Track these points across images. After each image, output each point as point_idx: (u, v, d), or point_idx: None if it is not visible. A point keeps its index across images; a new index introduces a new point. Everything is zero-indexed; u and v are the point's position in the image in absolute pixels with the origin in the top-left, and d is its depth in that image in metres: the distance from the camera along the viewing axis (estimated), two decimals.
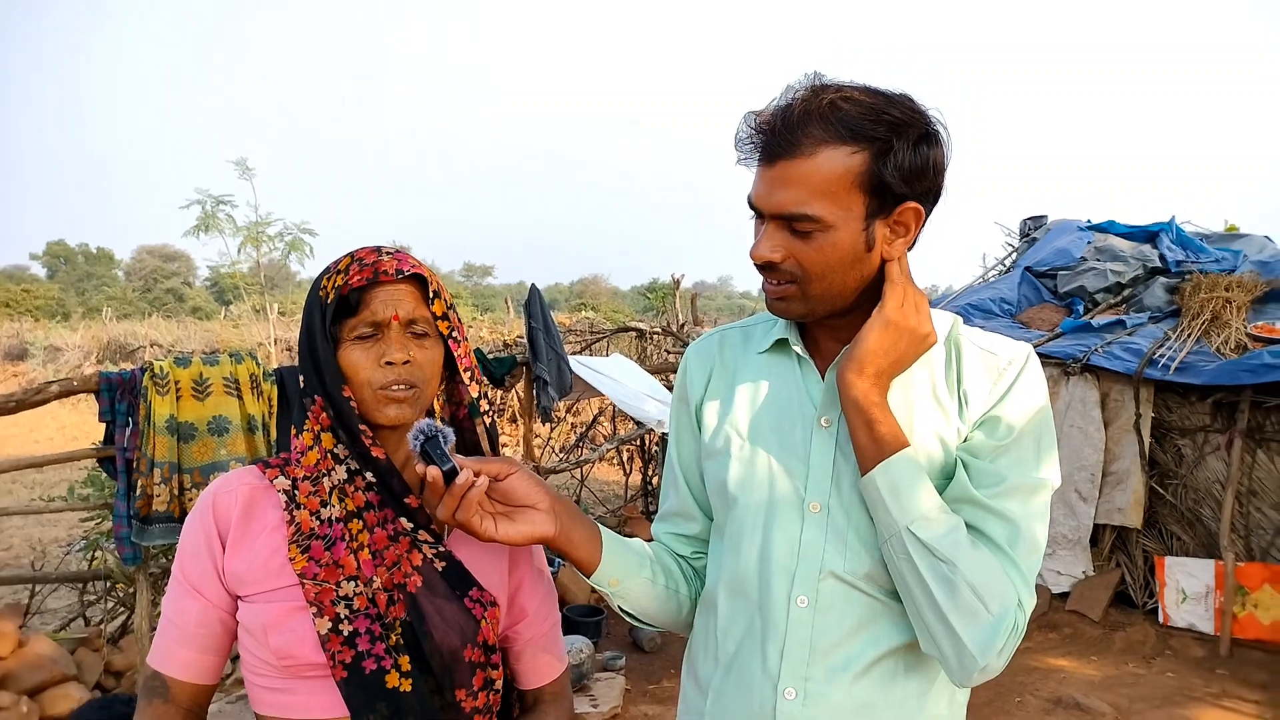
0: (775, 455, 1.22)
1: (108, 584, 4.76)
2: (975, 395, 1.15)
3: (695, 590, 1.36)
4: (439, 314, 1.20)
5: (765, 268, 1.16)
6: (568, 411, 9.22)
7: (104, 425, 3.82)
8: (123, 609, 4.79)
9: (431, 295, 1.19)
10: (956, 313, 6.75)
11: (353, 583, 1.13)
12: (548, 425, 7.92)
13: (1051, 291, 6.61)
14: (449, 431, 1.09)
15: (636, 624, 1.34)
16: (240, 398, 3.94)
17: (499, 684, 1.23)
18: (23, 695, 3.54)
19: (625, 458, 8.10)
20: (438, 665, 1.14)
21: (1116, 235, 6.79)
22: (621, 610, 1.29)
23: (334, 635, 1.10)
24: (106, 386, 3.69)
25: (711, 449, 1.29)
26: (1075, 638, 5.35)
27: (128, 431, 3.73)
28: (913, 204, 1.12)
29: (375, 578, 1.14)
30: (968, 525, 1.10)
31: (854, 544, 1.15)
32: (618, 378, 5.32)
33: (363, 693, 1.10)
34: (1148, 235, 6.70)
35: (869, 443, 1.11)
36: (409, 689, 1.12)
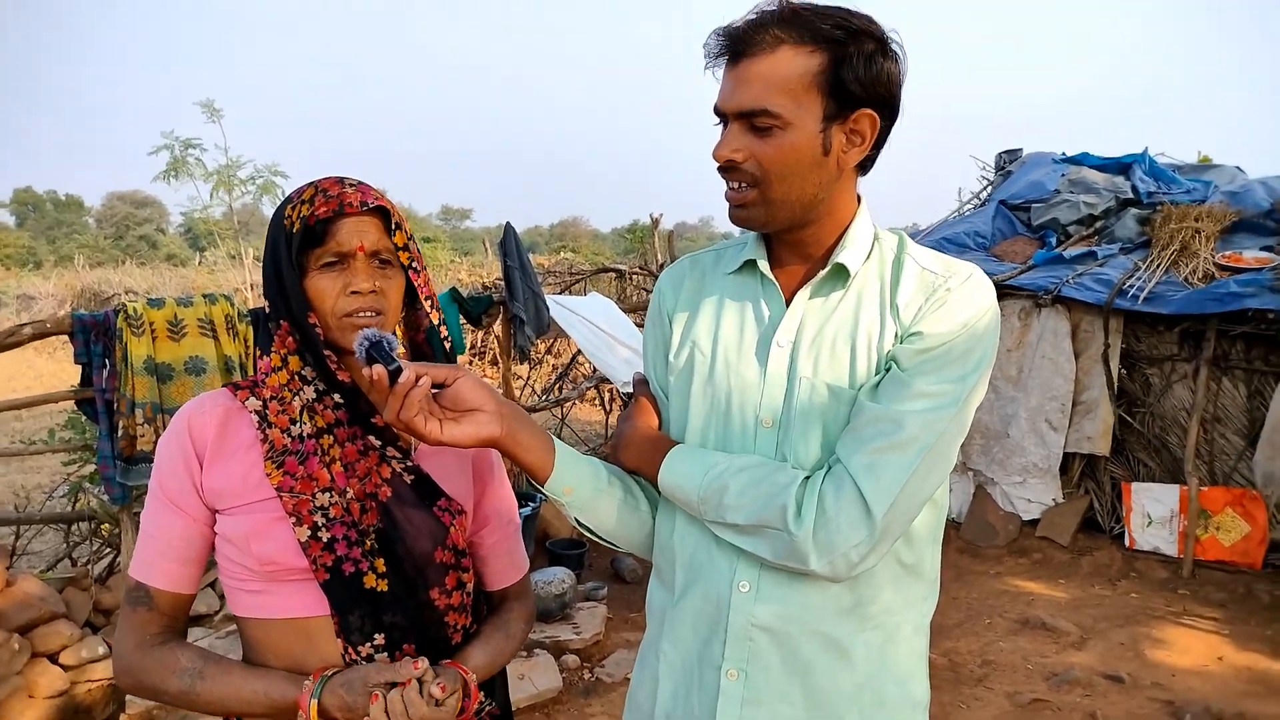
0: (733, 372, 1.26)
1: (93, 524, 4.80)
2: (907, 309, 1.19)
3: (657, 508, 1.38)
4: (400, 245, 1.24)
5: (726, 170, 1.20)
6: (548, 352, 9.25)
7: (80, 368, 3.82)
8: (108, 549, 4.83)
9: (393, 227, 1.23)
10: (931, 246, 6.83)
11: (328, 494, 1.18)
12: (527, 365, 7.95)
13: (1025, 224, 6.67)
14: (393, 338, 1.11)
15: (598, 540, 1.35)
16: (216, 338, 3.94)
17: (470, 586, 1.30)
18: (13, 633, 3.60)
19: (606, 397, 8.15)
20: (410, 568, 1.21)
21: (1090, 167, 6.84)
22: (579, 525, 1.31)
23: (314, 542, 1.16)
24: (80, 328, 3.68)
25: (675, 365, 1.34)
26: (1044, 562, 5.52)
27: (105, 373, 3.73)
28: (869, 111, 1.16)
29: (348, 488, 1.19)
30: (852, 427, 1.16)
31: (803, 457, 1.20)
32: (594, 318, 5.33)
33: (345, 592, 1.17)
34: (1121, 167, 6.74)
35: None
36: (385, 589, 1.19)
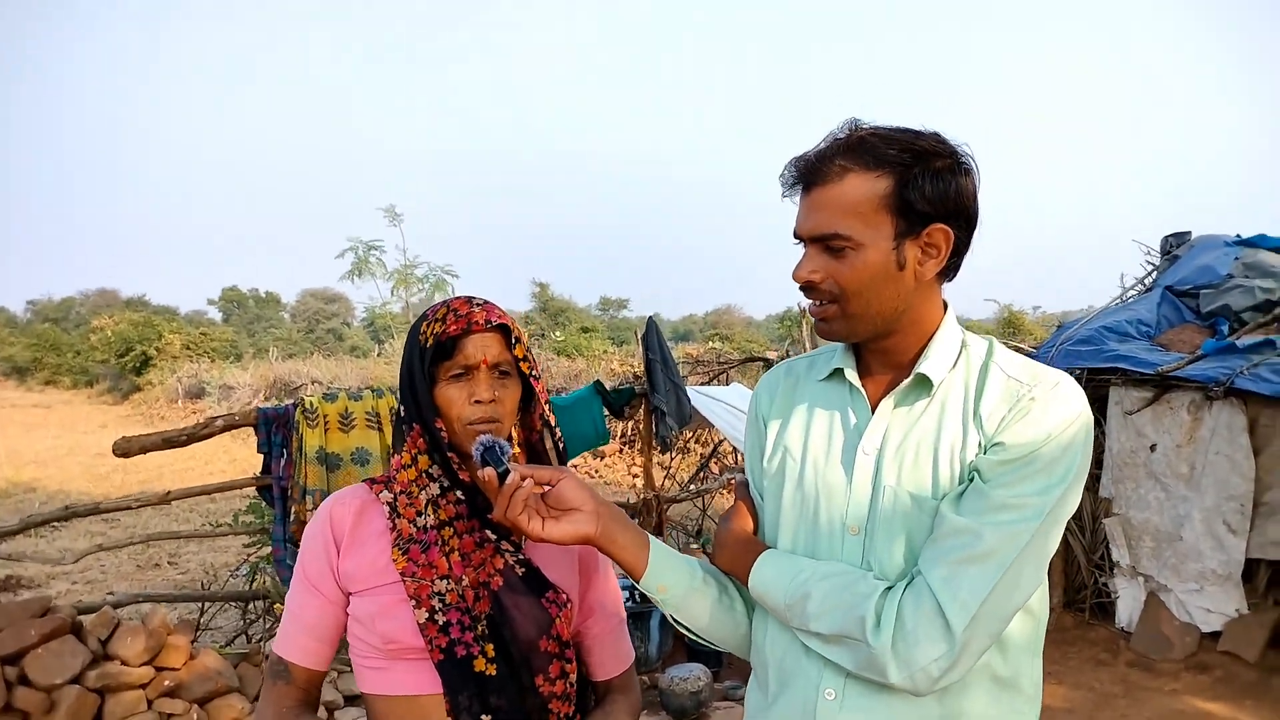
0: (821, 479, 1.31)
1: (266, 603, 5.20)
2: (990, 419, 1.20)
3: (753, 609, 1.42)
4: (520, 356, 1.40)
5: (807, 290, 1.28)
6: (694, 441, 9.34)
7: (262, 456, 4.22)
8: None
9: (513, 341, 1.39)
10: (1088, 336, 6.40)
11: (445, 580, 1.31)
12: (671, 455, 8.05)
13: (1194, 311, 6.28)
14: (506, 444, 1.26)
15: (695, 640, 1.41)
16: (380, 430, 4.27)
17: (573, 675, 1.39)
18: (193, 704, 3.93)
19: None
20: (517, 653, 1.31)
21: (1268, 250, 6.39)
22: (676, 623, 1.37)
23: (430, 624, 1.28)
24: (264, 420, 4.10)
25: (768, 469, 1.40)
26: (1228, 681, 5.02)
27: (282, 461, 4.11)
28: (941, 226, 1.21)
29: (464, 577, 1.32)
30: (933, 538, 1.18)
31: (887, 566, 1.23)
32: (736, 405, 5.41)
33: (456, 674, 1.29)
34: None
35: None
36: (494, 673, 1.30)
